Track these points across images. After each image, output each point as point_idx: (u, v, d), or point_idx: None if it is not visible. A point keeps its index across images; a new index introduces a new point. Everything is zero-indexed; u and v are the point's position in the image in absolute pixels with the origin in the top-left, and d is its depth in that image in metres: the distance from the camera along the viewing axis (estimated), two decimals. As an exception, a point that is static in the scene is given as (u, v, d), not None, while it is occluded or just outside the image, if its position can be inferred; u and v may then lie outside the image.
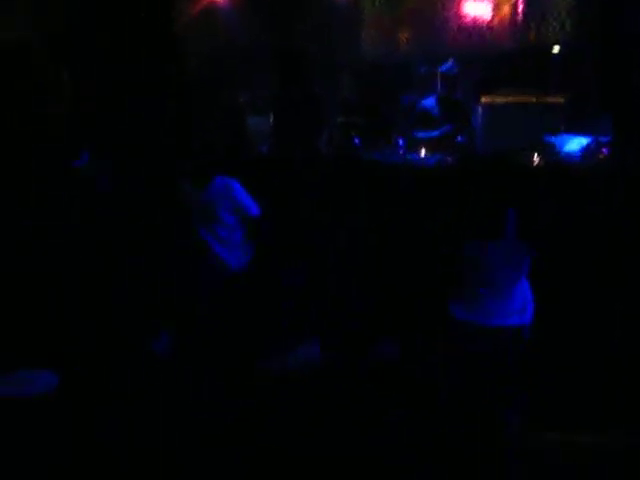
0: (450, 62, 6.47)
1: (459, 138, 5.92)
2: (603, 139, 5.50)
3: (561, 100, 6.13)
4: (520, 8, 6.95)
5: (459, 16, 7.16)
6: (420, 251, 4.36)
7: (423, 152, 5.80)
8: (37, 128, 4.98)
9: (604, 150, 5.43)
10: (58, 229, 4.73)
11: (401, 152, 5.86)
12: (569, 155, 5.50)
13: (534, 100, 6.21)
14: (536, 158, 5.42)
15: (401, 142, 5.95)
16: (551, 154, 5.50)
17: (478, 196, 3.15)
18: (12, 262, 4.63)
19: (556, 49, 6.66)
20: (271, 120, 6.31)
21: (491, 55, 6.94)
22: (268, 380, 4.11)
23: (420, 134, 6.20)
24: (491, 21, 7.09)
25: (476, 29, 7.14)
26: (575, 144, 5.59)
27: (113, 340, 4.80)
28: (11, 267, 4.61)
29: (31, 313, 4.68)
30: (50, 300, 4.76)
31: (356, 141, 5.90)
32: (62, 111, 5.40)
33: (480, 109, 6.22)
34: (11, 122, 5.00)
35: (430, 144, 5.89)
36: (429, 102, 6.40)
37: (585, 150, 5.48)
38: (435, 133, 6.16)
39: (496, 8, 7.03)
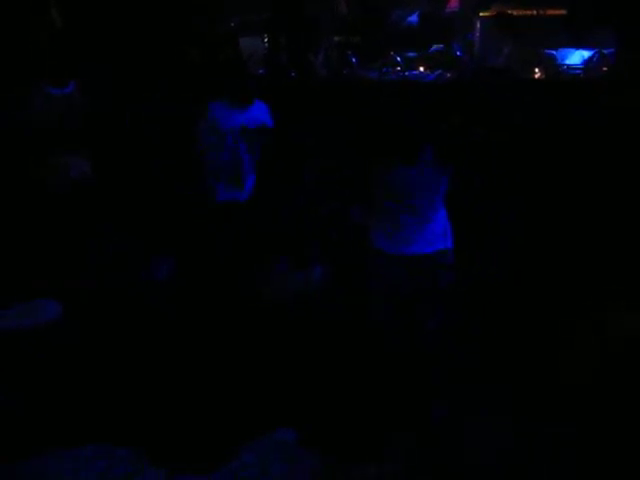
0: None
1: (458, 52, 5.80)
2: (607, 51, 5.39)
3: (562, 12, 5.98)
4: None
5: None
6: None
7: (421, 68, 5.70)
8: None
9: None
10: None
11: (399, 69, 5.75)
12: (571, 68, 5.41)
13: (534, 13, 6.06)
14: (537, 71, 5.33)
15: (399, 59, 5.83)
16: (552, 67, 5.40)
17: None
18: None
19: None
20: (266, 40, 6.17)
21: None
22: (266, 303, 4.10)
23: (409, 53, 6.08)
24: None
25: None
26: (577, 57, 5.49)
27: (116, 268, 4.79)
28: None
29: (31, 241, 4.64)
30: (51, 228, 4.71)
31: (353, 60, 5.77)
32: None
33: (478, 23, 6.08)
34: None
35: (428, 60, 5.78)
36: (413, 18, 6.26)
37: (587, 63, 5.38)
38: (415, 54, 6.04)
39: None
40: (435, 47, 6.05)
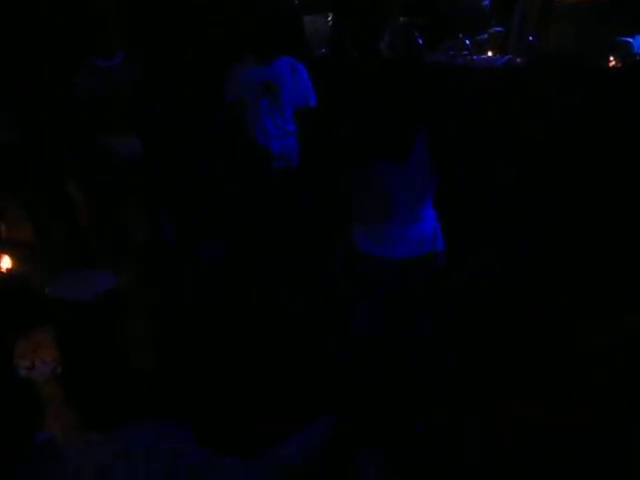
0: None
1: (529, 37, 5.58)
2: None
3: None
4: None
5: None
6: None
7: (490, 53, 5.51)
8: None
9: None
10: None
11: (466, 53, 5.57)
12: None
13: (609, -3, 5.78)
14: (612, 59, 5.10)
15: (468, 42, 5.64)
16: (628, 55, 5.16)
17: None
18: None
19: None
20: (329, 19, 6.05)
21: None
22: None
23: (479, 36, 5.90)
24: None
25: None
26: (654, 45, 5.24)
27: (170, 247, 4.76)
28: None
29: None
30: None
31: (419, 42, 5.59)
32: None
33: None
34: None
35: (497, 44, 5.59)
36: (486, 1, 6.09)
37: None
38: (484, 35, 5.85)
39: None
40: (493, 29, 5.86)
